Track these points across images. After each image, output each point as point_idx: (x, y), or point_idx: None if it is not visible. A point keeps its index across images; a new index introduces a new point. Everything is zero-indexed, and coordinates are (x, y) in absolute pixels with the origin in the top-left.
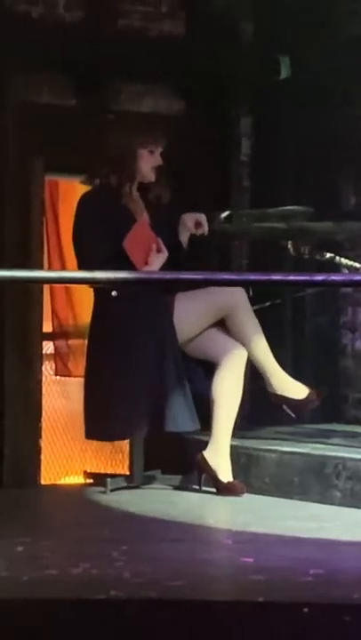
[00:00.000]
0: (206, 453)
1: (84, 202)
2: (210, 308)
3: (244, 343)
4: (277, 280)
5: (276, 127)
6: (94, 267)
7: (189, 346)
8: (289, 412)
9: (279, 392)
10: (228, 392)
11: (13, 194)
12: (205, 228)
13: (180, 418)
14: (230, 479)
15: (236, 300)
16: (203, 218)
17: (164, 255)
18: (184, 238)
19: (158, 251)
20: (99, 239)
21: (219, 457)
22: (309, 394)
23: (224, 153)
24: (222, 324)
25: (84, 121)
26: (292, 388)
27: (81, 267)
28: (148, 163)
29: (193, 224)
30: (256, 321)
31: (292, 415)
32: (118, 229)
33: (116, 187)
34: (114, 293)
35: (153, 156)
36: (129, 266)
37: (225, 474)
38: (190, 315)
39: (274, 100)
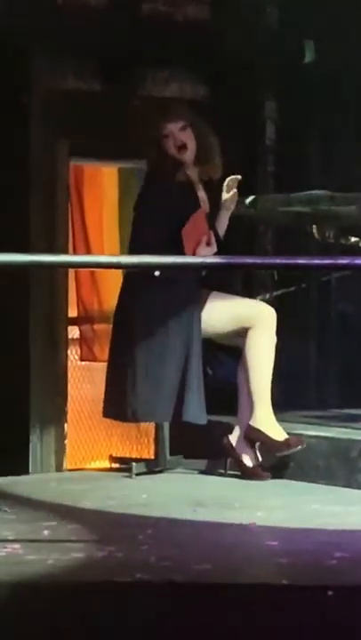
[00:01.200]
0: (232, 437)
1: (148, 179)
2: (238, 316)
3: (251, 362)
4: (302, 264)
5: (301, 111)
6: (148, 247)
7: (217, 335)
8: (258, 452)
9: (259, 426)
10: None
11: (39, 178)
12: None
13: (191, 409)
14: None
15: (264, 318)
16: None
17: (213, 250)
18: (227, 212)
19: (208, 244)
20: (159, 222)
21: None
22: (287, 439)
23: (249, 137)
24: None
25: (109, 106)
26: (273, 428)
27: (136, 243)
28: (171, 145)
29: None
30: (273, 349)
31: (259, 457)
32: (181, 210)
33: (171, 168)
34: (157, 273)
35: (170, 139)
36: (177, 250)
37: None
38: (218, 315)
39: (299, 84)
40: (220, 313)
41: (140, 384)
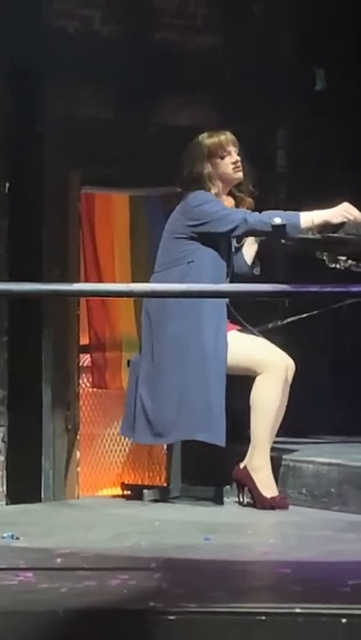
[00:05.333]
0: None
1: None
2: (252, 360)
3: (255, 407)
4: (314, 291)
5: (313, 138)
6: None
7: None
8: (245, 496)
9: (252, 473)
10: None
11: (51, 207)
12: None
13: (212, 430)
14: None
15: (277, 369)
16: None
17: None
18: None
19: None
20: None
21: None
22: (273, 498)
23: (260, 165)
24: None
25: (121, 134)
26: (265, 481)
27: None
28: (227, 163)
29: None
30: (280, 399)
31: (249, 500)
32: None
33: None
34: None
35: (228, 157)
36: None
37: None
38: (233, 353)
39: (311, 111)
40: (236, 352)
41: (164, 403)
